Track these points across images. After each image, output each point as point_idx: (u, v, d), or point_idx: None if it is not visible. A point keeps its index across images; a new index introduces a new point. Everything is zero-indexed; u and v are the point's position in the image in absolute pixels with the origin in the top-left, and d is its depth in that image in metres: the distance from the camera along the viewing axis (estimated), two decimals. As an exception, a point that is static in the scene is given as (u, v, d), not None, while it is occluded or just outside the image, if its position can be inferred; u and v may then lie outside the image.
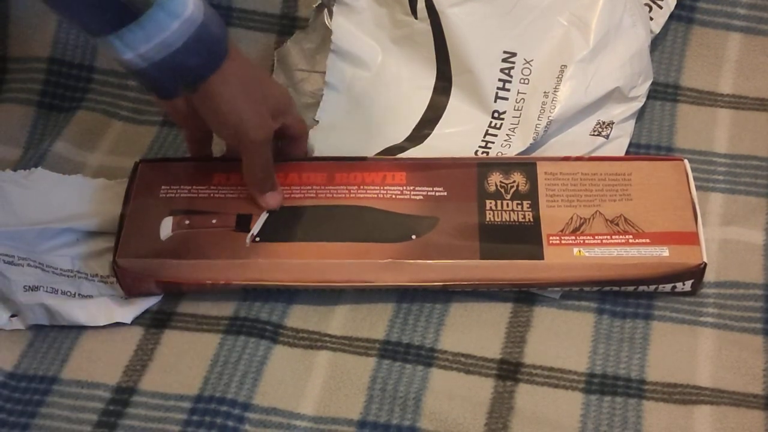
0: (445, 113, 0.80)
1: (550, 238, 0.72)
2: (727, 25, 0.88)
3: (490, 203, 0.74)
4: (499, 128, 0.79)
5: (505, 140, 0.78)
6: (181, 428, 0.67)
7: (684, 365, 0.70)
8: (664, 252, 0.71)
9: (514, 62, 0.79)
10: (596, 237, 0.72)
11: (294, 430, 0.67)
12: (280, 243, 0.72)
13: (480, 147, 0.78)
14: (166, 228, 0.73)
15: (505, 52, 0.79)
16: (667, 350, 0.70)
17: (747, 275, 0.74)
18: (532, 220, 0.73)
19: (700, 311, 0.72)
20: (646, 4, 0.85)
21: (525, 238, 0.72)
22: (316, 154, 0.78)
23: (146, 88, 0.69)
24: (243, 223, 0.73)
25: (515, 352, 0.71)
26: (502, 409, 0.68)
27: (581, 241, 0.72)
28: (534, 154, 0.78)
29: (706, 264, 0.71)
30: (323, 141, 0.78)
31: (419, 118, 0.80)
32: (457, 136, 0.79)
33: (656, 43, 0.86)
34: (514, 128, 0.79)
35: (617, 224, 0.72)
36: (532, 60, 0.79)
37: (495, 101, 0.79)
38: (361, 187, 0.75)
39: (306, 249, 0.72)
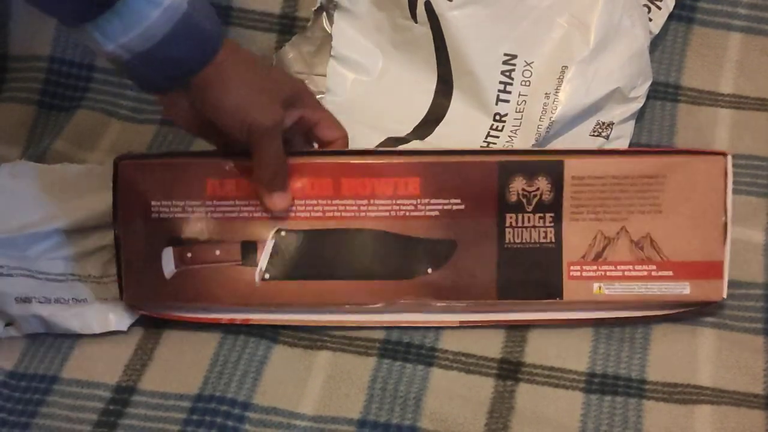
0: (446, 116, 0.80)
1: (571, 268, 0.70)
2: (728, 25, 0.88)
3: (511, 218, 0.70)
4: (500, 130, 0.79)
5: (507, 142, 0.78)
6: (181, 428, 0.67)
7: (684, 365, 0.70)
8: (685, 289, 0.70)
9: (514, 64, 0.79)
10: (618, 267, 0.70)
11: (294, 430, 0.67)
12: (291, 282, 0.70)
13: (482, 146, 0.78)
14: (168, 263, 0.71)
15: (505, 54, 0.79)
16: (668, 350, 0.70)
17: (747, 275, 0.74)
18: (553, 240, 0.70)
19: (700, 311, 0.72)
20: (645, 5, 0.85)
21: (544, 268, 0.70)
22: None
23: (138, 86, 0.67)
24: (249, 255, 0.70)
25: (515, 351, 0.71)
26: (502, 409, 0.68)
27: (602, 273, 0.70)
28: (561, 145, 0.77)
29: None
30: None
31: (420, 121, 0.80)
32: (459, 138, 0.79)
33: (656, 43, 0.86)
34: (516, 130, 0.79)
35: (642, 248, 0.70)
36: (532, 62, 0.79)
37: (496, 104, 0.79)
38: (372, 201, 0.70)
39: (319, 289, 0.70)
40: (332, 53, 0.80)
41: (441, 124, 0.80)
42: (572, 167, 0.70)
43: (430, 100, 0.81)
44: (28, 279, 0.73)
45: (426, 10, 0.79)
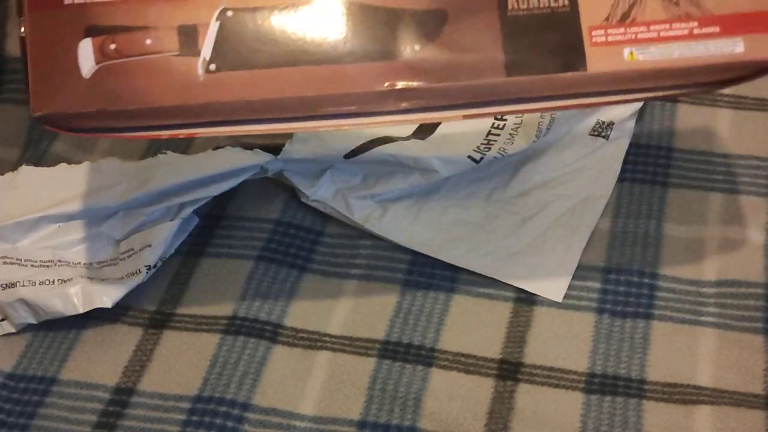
0: None
1: (593, 33, 0.57)
2: (727, 25, 0.88)
3: None
4: (501, 128, 0.79)
5: (507, 139, 0.78)
6: (181, 428, 0.67)
7: (684, 365, 0.69)
8: (737, 47, 0.57)
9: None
10: (651, 27, 0.57)
11: (294, 431, 0.67)
12: (241, 72, 0.57)
13: (482, 144, 0.78)
14: (87, 58, 0.57)
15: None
16: (668, 350, 0.70)
17: (748, 275, 0.74)
18: (567, 3, 0.58)
19: (700, 311, 0.72)
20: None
21: (560, 37, 0.57)
22: (314, 157, 0.78)
23: None
24: (188, 41, 0.57)
25: (515, 351, 0.71)
26: (502, 409, 0.67)
27: (633, 36, 0.57)
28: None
29: None
30: (321, 145, 0.78)
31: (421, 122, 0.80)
32: (459, 136, 0.79)
33: (656, 43, 0.86)
34: (517, 128, 0.79)
35: (678, 3, 0.57)
36: None
37: None
38: None
39: (276, 79, 0.57)
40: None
41: (441, 124, 0.80)
42: None
43: None
44: (13, 266, 0.73)
45: None
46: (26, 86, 0.58)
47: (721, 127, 0.84)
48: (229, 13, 0.58)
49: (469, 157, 0.78)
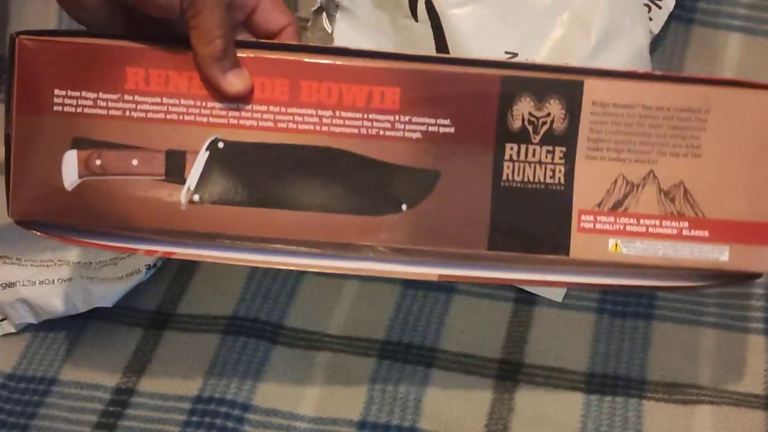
0: None
1: (582, 218, 0.57)
2: (727, 26, 0.88)
3: (512, 150, 0.56)
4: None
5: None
6: (181, 429, 0.67)
7: (684, 365, 0.69)
8: (722, 255, 0.57)
9: (516, 62, 0.78)
10: (641, 221, 0.57)
11: (294, 431, 0.67)
12: (226, 207, 0.57)
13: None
14: (71, 170, 0.57)
15: (506, 52, 0.79)
16: (668, 350, 0.70)
17: (747, 275, 0.74)
18: (562, 181, 0.56)
19: (701, 311, 0.72)
20: (646, 5, 0.85)
21: (549, 215, 0.57)
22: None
23: None
24: (175, 168, 0.56)
25: (515, 352, 0.71)
26: (502, 410, 0.67)
27: (621, 227, 0.57)
28: (582, 63, 0.64)
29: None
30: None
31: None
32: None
33: (656, 43, 0.86)
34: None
35: (673, 200, 0.57)
36: (533, 60, 0.79)
37: None
38: (337, 113, 0.56)
39: (260, 219, 0.57)
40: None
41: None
42: (594, 90, 0.56)
43: None
44: (13, 266, 0.73)
45: (427, 9, 0.78)
46: (7, 185, 0.57)
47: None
48: (221, 145, 0.57)
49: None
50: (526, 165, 0.57)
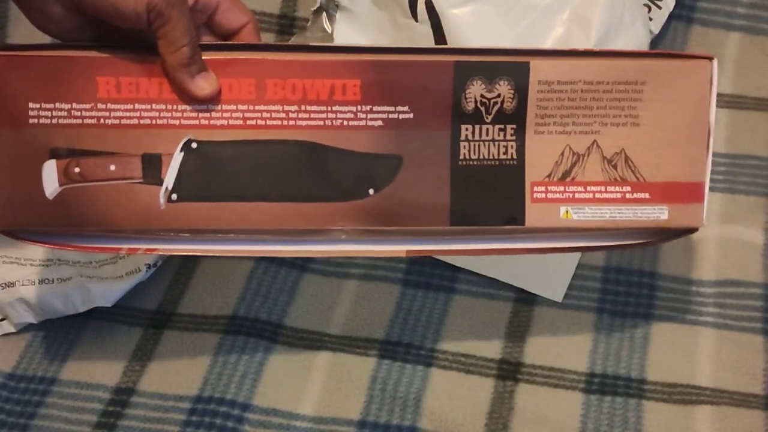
0: None
1: (535, 188, 0.61)
2: (727, 25, 0.88)
3: (467, 130, 0.60)
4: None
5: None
6: (181, 429, 0.67)
7: (684, 365, 0.70)
8: (662, 214, 0.62)
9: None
10: (588, 189, 0.61)
11: (294, 431, 0.67)
12: (204, 204, 0.59)
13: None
14: (51, 180, 0.58)
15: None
16: (667, 350, 0.70)
17: (747, 274, 0.74)
18: (515, 156, 0.61)
19: (700, 311, 0.72)
20: (645, 5, 0.85)
21: (504, 189, 0.61)
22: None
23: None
24: (151, 170, 0.59)
25: (515, 352, 0.71)
26: (502, 409, 0.68)
27: (570, 195, 0.61)
28: (526, 46, 0.67)
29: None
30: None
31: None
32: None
33: (656, 42, 0.86)
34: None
35: (615, 166, 0.61)
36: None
37: None
38: (303, 107, 0.59)
39: (237, 212, 0.60)
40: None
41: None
42: (539, 70, 0.60)
43: None
44: (13, 265, 0.73)
45: (427, 8, 0.78)
46: None
47: (720, 126, 0.84)
48: (194, 145, 0.59)
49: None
50: (481, 144, 0.61)
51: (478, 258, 0.75)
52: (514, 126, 0.61)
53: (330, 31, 0.81)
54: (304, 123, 0.60)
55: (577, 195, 0.61)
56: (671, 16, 0.86)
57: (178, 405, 0.68)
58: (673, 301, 0.73)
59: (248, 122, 0.59)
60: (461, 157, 0.61)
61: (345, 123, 0.60)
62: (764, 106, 0.85)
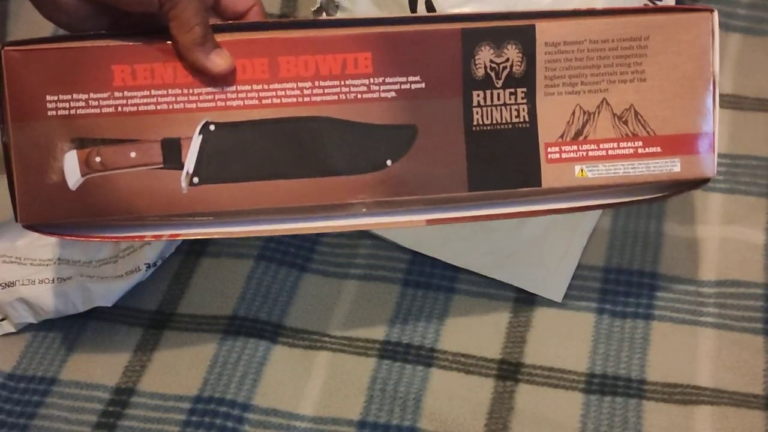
0: None
1: (549, 149, 0.62)
2: (727, 25, 0.88)
3: (478, 96, 0.61)
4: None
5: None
6: (181, 429, 0.67)
7: (684, 365, 0.70)
8: (675, 166, 0.62)
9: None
10: (601, 146, 0.62)
11: (294, 431, 0.67)
12: (225, 185, 0.60)
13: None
14: (73, 170, 0.59)
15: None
16: (668, 350, 0.70)
17: (747, 274, 0.74)
18: (527, 119, 0.62)
19: (700, 311, 0.72)
20: (645, 5, 0.85)
21: (519, 152, 0.62)
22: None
23: None
24: (172, 155, 0.59)
25: (515, 352, 0.71)
26: (502, 409, 0.67)
27: (584, 154, 0.62)
28: (531, 7, 0.68)
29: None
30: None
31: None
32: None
33: (656, 42, 0.86)
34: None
35: (626, 122, 0.62)
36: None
37: None
38: (316, 82, 0.60)
39: (257, 191, 0.60)
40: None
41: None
42: (545, 32, 0.61)
43: None
44: (13, 265, 0.73)
45: (427, 8, 0.78)
46: (11, 193, 0.59)
47: (721, 126, 0.84)
48: (212, 127, 0.60)
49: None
50: (493, 108, 0.61)
51: (478, 258, 0.75)
52: (524, 89, 0.61)
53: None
54: (318, 99, 0.60)
55: (590, 153, 0.62)
56: (671, 16, 0.86)
57: (178, 405, 0.68)
58: (673, 301, 0.73)
59: (263, 101, 0.60)
60: (474, 123, 0.61)
61: (359, 96, 0.61)
62: (765, 107, 0.85)
